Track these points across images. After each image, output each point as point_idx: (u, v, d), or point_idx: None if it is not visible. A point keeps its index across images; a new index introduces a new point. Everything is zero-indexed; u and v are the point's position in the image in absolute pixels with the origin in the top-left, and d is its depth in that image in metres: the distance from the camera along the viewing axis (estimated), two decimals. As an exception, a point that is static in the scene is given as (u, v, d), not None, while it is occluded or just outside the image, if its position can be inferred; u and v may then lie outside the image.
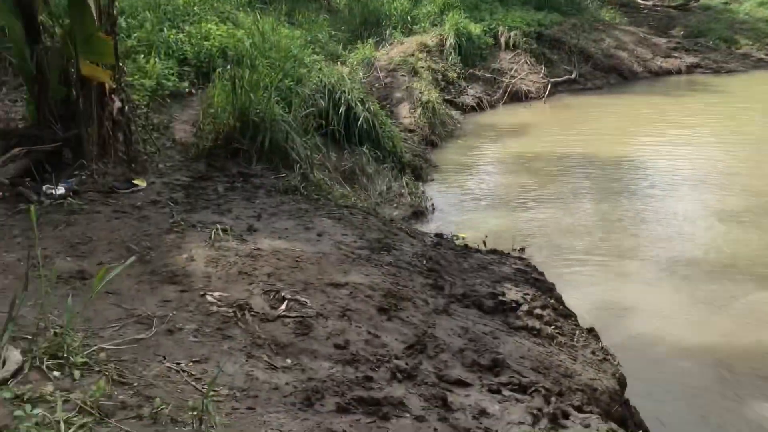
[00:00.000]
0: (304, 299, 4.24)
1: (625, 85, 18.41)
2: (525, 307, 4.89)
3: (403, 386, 3.57)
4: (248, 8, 11.35)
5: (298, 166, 7.33)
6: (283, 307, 4.13)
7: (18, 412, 2.49)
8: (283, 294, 4.25)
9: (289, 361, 3.63)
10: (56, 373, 2.92)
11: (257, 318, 3.98)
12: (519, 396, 3.66)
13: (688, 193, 9.95)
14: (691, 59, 20.52)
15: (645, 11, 24.47)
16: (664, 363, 5.65)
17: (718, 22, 22.88)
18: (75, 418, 2.59)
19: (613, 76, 18.68)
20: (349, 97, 9.63)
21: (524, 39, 17.79)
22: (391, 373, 3.65)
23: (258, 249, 4.94)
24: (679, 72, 19.85)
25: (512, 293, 5.10)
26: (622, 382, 4.46)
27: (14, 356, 2.87)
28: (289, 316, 4.04)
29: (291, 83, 8.61)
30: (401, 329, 4.17)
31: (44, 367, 2.92)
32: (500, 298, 4.96)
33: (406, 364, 3.76)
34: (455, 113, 14.77)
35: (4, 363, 2.82)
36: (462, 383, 3.72)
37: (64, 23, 6.36)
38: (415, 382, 3.63)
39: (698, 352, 5.72)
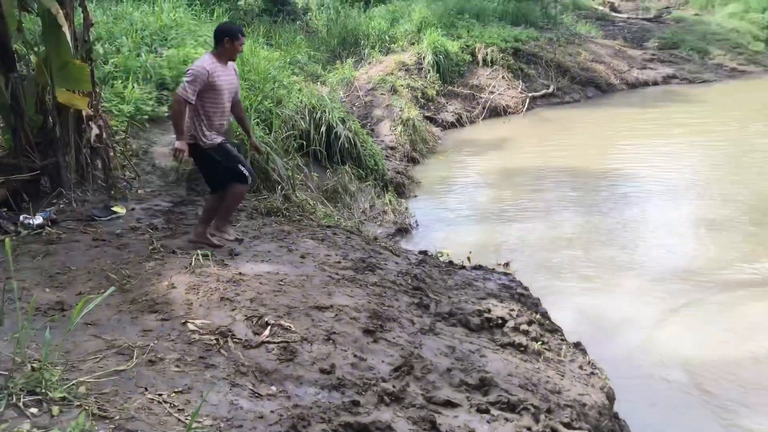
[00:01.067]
0: (288, 324, 4.19)
1: (603, 97, 18.60)
2: (511, 324, 4.87)
3: (391, 410, 3.52)
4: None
5: (279, 187, 7.29)
6: (267, 332, 4.07)
7: (-6, 453, 2.42)
8: (266, 319, 4.19)
9: (273, 388, 3.57)
10: (33, 410, 2.84)
11: (240, 345, 3.92)
12: (508, 415, 3.63)
13: (669, 202, 10.01)
14: (666, 70, 20.80)
15: (620, 24, 24.80)
16: (653, 375, 5.63)
17: (691, 34, 23.24)
18: (53, 457, 2.53)
19: (591, 88, 18.88)
20: (330, 116, 9.64)
21: (501, 55, 17.95)
22: (378, 397, 3.60)
23: (240, 274, 4.88)
24: (655, 83, 20.10)
25: (498, 309, 5.08)
26: (610, 396, 4.43)
27: (-11, 394, 2.80)
28: (273, 342, 3.98)
29: (271, 105, 8.59)
30: (388, 351, 4.13)
31: (21, 404, 2.85)
32: (486, 315, 4.93)
33: (394, 386, 3.71)
34: (436, 130, 14.85)
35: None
36: (450, 404, 3.67)
37: (39, 51, 6.31)
38: (403, 405, 3.58)
39: (686, 364, 5.71)
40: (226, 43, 5.19)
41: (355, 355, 3.98)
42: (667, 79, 20.32)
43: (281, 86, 9.38)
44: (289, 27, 16.33)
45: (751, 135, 14.37)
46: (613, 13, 26.04)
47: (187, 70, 5.18)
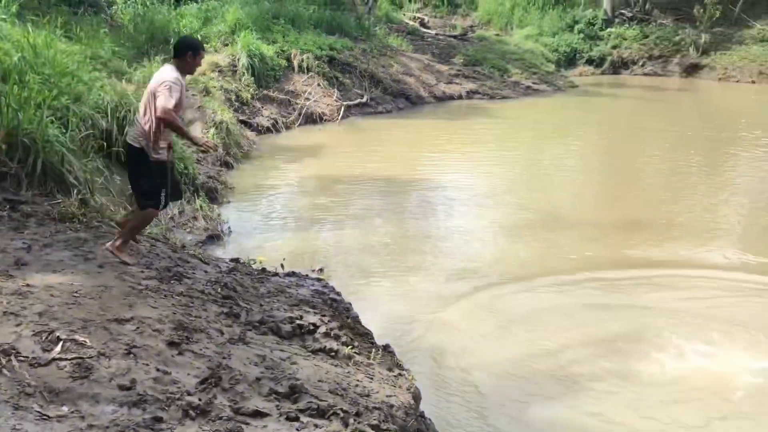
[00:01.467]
0: (83, 338, 3.86)
1: (413, 109, 19.41)
2: (323, 329, 4.88)
3: (196, 424, 3.37)
4: (17, 20, 10.31)
5: (75, 190, 6.74)
6: (58, 348, 3.73)
7: None
8: (57, 334, 3.84)
9: (65, 408, 3.27)
10: None
11: (26, 363, 3.55)
12: (317, 421, 3.62)
13: (471, 210, 10.66)
14: (470, 86, 22.15)
15: (429, 39, 26.06)
16: (455, 373, 5.93)
17: (493, 52, 24.97)
18: None
19: (402, 100, 19.62)
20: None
21: (317, 62, 18.11)
22: (182, 411, 3.43)
23: (27, 285, 4.43)
24: (460, 97, 21.33)
25: (310, 316, 5.07)
26: (417, 397, 4.59)
27: None
28: (66, 359, 3.65)
29: (68, 101, 7.93)
30: (194, 363, 3.95)
31: None
32: (298, 321, 4.90)
33: (200, 399, 3.55)
34: (251, 134, 14.62)
35: None
36: (259, 414, 3.59)
37: None
38: (209, 418, 3.44)
39: (490, 362, 6.08)
40: (188, 57, 5.17)
41: (158, 369, 3.76)
42: (470, 94, 21.64)
43: (80, 82, 8.70)
44: (91, 20, 15.22)
45: (544, 148, 15.74)
46: (423, 29, 27.31)
47: (163, 81, 4.99)
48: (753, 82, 27.09)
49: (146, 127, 5.10)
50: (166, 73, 5.16)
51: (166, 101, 4.94)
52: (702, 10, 28.39)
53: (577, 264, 8.31)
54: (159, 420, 3.31)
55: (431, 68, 22.35)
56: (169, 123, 5.05)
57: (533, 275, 8.01)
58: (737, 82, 26.96)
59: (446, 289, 7.58)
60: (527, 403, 5.48)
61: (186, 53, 5.16)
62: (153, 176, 5.24)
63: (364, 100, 18.40)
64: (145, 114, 5.14)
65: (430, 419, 4.73)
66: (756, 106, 23.09)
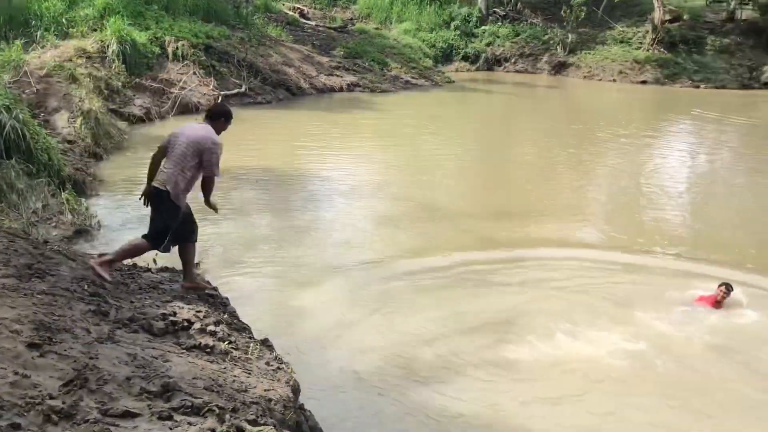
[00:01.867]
0: (-72, 343, 3.55)
1: (294, 100, 19.26)
2: (198, 325, 4.76)
3: (59, 428, 3.19)
4: None
5: None
6: None
7: None
8: None
9: None
10: None
11: None
12: (192, 419, 3.52)
13: (353, 201, 10.73)
14: (350, 78, 22.26)
15: (309, 30, 25.93)
16: (340, 363, 5.96)
17: (373, 46, 25.22)
18: None
19: (282, 91, 19.41)
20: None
21: (193, 50, 17.57)
22: (44, 416, 3.23)
23: None
24: (341, 89, 21.39)
25: (184, 312, 4.93)
26: (296, 389, 4.57)
27: None
28: None
29: None
30: (57, 365, 3.73)
31: None
32: (171, 318, 4.74)
33: (63, 403, 3.36)
34: (122, 124, 13.98)
35: None
36: (129, 414, 3.44)
37: None
38: (75, 422, 3.26)
39: (370, 349, 6.16)
40: (222, 123, 5.68)
41: (16, 373, 3.52)
42: (351, 87, 21.75)
43: None
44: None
45: (422, 141, 16.08)
46: (303, 20, 27.13)
47: (215, 143, 5.49)
48: (614, 80, 28.95)
49: (186, 175, 5.38)
50: (212, 133, 5.54)
51: (219, 165, 5.47)
52: (569, 11, 29.99)
53: (452, 251, 8.58)
54: (17, 427, 3.10)
55: (312, 59, 22.25)
56: (213, 183, 5.50)
57: (411, 263, 8.19)
58: (600, 80, 28.70)
59: (326, 280, 7.61)
60: (407, 392, 5.59)
61: (220, 119, 5.66)
62: (166, 217, 5.39)
63: (242, 90, 18.05)
64: (185, 163, 5.37)
65: (309, 411, 4.73)
66: (616, 104, 24.72)
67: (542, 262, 8.42)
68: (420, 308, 7.08)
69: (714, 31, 31.87)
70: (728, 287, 7.19)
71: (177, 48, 17.22)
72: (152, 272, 6.04)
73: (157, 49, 16.85)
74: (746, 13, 32.19)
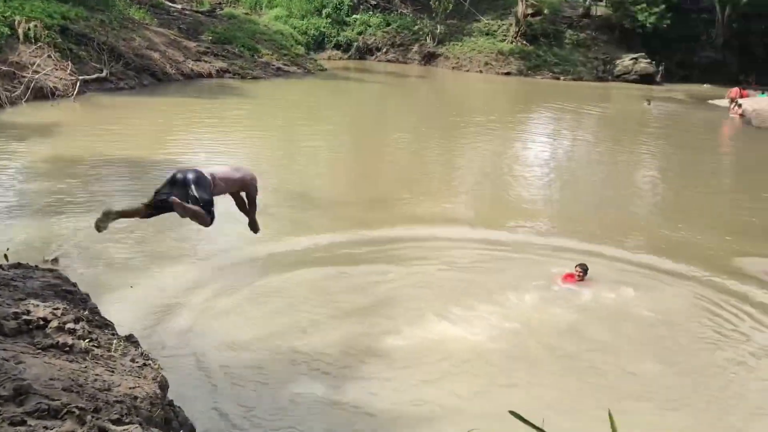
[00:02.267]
0: None
1: (159, 86, 18.52)
2: (55, 324, 4.47)
3: None
4: None
5: None
6: None
7: None
8: None
9: None
10: None
11: None
12: (49, 422, 3.32)
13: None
14: (220, 64, 21.70)
15: (175, 14, 24.97)
16: (214, 356, 5.82)
17: (242, 31, 24.70)
18: None
19: (146, 76, 18.62)
20: None
21: (47, 32, 16.44)
22: None
23: None
24: (210, 75, 20.80)
25: (40, 310, 4.62)
26: (163, 386, 4.42)
27: None
28: None
29: None
30: None
31: None
32: (25, 317, 4.43)
33: None
34: (-34, 110, 12.88)
35: None
36: (-24, 423, 3.21)
37: None
38: None
39: (244, 343, 6.05)
40: None
41: None
42: (220, 73, 21.22)
43: None
44: None
45: (296, 130, 15.94)
46: (168, 3, 26.09)
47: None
48: (480, 71, 30.06)
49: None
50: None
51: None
52: (437, 2, 30.77)
53: (325, 238, 8.58)
54: None
55: (178, 44, 21.47)
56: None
57: (284, 255, 8.10)
58: (467, 71, 29.71)
59: (195, 273, 7.40)
60: (283, 384, 5.54)
61: None
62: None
63: (103, 74, 17.14)
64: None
65: (179, 407, 4.59)
66: (483, 94, 25.69)
67: (414, 245, 8.58)
68: (292, 297, 7.04)
69: (572, 25, 33.85)
70: (583, 267, 7.67)
71: (29, 29, 16.06)
72: (2, 269, 5.62)
73: (6, 30, 15.63)
74: (600, 9, 34.40)
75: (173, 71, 19.70)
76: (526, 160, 14.56)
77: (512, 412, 1.62)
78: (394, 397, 5.46)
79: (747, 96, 27.42)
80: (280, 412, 5.21)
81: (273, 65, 23.38)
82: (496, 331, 6.53)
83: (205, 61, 21.37)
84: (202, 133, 14.12)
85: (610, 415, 1.67)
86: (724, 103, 26.50)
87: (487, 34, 32.08)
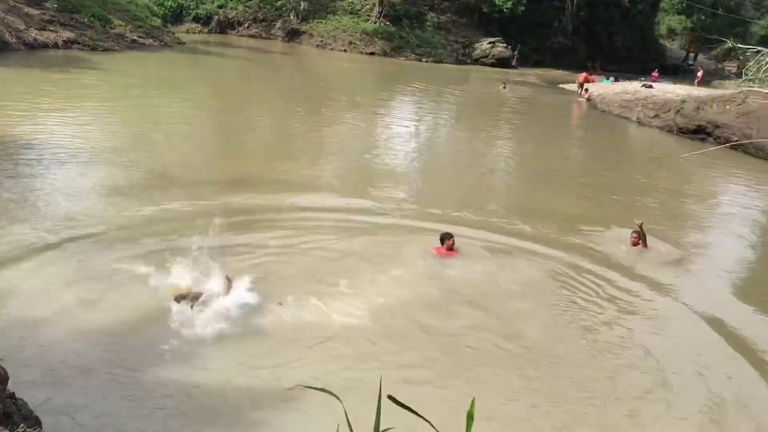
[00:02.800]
0: None
1: (-2, 56, 16.96)
2: None
3: None
4: None
5: None
6: None
7: None
8: None
9: None
10: None
11: None
12: None
13: (77, 169, 9.74)
14: (68, 34, 20.23)
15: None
16: (61, 346, 5.42)
17: (93, 0, 23.13)
18: None
19: (-19, 44, 17.01)
20: None
21: None
22: None
23: None
24: (56, 46, 19.35)
25: None
26: (3, 378, 4.07)
27: None
28: None
29: None
30: None
31: None
32: None
33: None
34: None
35: None
36: None
37: None
38: None
39: (94, 331, 5.68)
40: None
41: None
42: (68, 44, 19.79)
43: None
44: None
45: (153, 105, 15.19)
46: (7, -35, 23.90)
47: None
48: (345, 50, 30.08)
49: None
50: None
51: None
52: (300, -22, 30.39)
53: (189, 219, 8.21)
54: None
55: (19, 11, 19.76)
56: None
57: (141, 237, 7.66)
58: (332, 49, 29.63)
59: (42, 257, 6.85)
60: (138, 372, 5.26)
61: None
62: None
63: (-70, 42, 15.45)
64: None
65: (22, 399, 4.25)
66: (348, 73, 25.70)
67: (282, 223, 8.43)
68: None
69: (433, 8, 34.61)
70: (448, 236, 7.85)
71: None
72: None
73: None
74: (460, -8, 35.38)
75: (13, 40, 18.13)
76: (392, 141, 14.75)
77: (390, 397, 1.56)
78: (270, 377, 5.32)
79: (593, 81, 29.44)
80: (137, 398, 4.95)
81: (127, 37, 22.12)
82: (365, 310, 6.51)
83: (51, 30, 19.84)
84: (48, 108, 13.09)
85: (472, 403, 1.64)
86: (573, 87, 28.23)
87: (351, 13, 32.12)
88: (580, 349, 6.25)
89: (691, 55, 50.68)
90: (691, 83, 31.53)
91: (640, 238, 8.62)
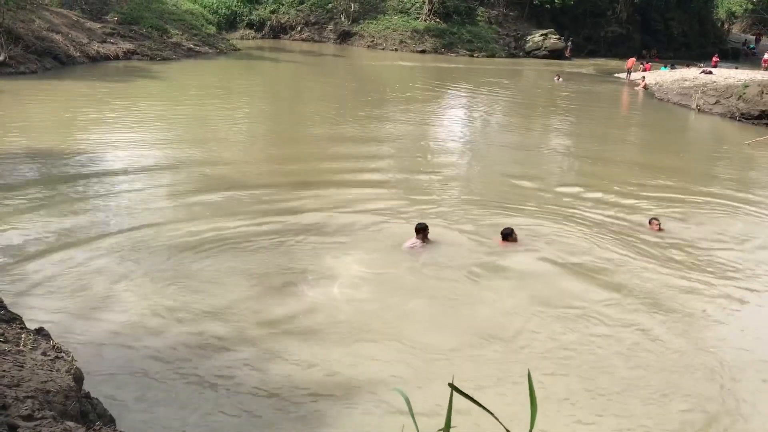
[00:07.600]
0: None
1: (63, 69, 17.70)
2: (-43, 321, 4.28)
3: None
4: None
5: None
6: None
7: None
8: None
9: None
10: None
11: None
12: (-47, 424, 3.20)
13: (144, 178, 9.98)
14: (127, 45, 20.93)
15: (77, -6, 23.87)
16: (130, 345, 5.66)
17: (149, 11, 23.86)
18: None
19: (49, 59, 17.75)
20: None
21: (-65, 13, 15.43)
22: None
23: None
24: (117, 57, 20.04)
25: (-61, 308, 4.41)
26: (78, 378, 4.30)
27: None
28: None
29: None
30: None
31: None
32: (-77, 315, 4.22)
33: None
34: None
35: None
36: None
37: None
38: None
39: (159, 330, 5.91)
40: None
41: None
42: (128, 54, 20.47)
43: None
44: None
45: (212, 112, 15.53)
46: (69, -18, 24.89)
47: None
48: (396, 49, 30.16)
49: None
50: None
51: None
52: (350, -20, 30.61)
53: (253, 223, 8.42)
54: None
55: (81, 26, 20.56)
56: None
57: (205, 238, 7.92)
58: (383, 49, 29.75)
59: (111, 262, 7.14)
60: (199, 366, 5.46)
61: None
62: None
63: (1, 59, 16.22)
64: None
65: (97, 399, 4.48)
66: (399, 72, 25.77)
67: (344, 225, 8.56)
68: (213, 282, 6.92)
69: (484, 2, 34.33)
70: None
71: None
72: None
73: None
74: (511, -14, 35.01)
75: (77, 54, 18.87)
76: (443, 134, 14.75)
77: (451, 385, 1.49)
78: (290, 364, 5.44)
79: (649, 69, 28.70)
80: (194, 394, 5.13)
81: (184, 46, 22.74)
82: (351, 296, 6.62)
83: (112, 43, 20.57)
84: (112, 119, 13.58)
85: (529, 376, 1.53)
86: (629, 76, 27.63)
87: (401, 12, 32.18)
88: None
89: (752, 38, 48.81)
90: (753, 67, 30.41)
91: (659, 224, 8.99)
